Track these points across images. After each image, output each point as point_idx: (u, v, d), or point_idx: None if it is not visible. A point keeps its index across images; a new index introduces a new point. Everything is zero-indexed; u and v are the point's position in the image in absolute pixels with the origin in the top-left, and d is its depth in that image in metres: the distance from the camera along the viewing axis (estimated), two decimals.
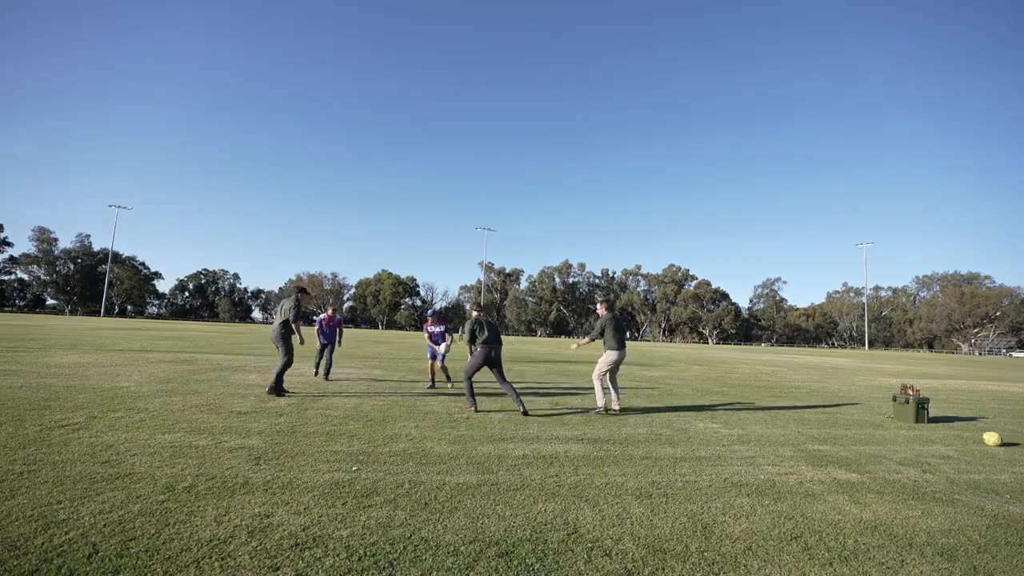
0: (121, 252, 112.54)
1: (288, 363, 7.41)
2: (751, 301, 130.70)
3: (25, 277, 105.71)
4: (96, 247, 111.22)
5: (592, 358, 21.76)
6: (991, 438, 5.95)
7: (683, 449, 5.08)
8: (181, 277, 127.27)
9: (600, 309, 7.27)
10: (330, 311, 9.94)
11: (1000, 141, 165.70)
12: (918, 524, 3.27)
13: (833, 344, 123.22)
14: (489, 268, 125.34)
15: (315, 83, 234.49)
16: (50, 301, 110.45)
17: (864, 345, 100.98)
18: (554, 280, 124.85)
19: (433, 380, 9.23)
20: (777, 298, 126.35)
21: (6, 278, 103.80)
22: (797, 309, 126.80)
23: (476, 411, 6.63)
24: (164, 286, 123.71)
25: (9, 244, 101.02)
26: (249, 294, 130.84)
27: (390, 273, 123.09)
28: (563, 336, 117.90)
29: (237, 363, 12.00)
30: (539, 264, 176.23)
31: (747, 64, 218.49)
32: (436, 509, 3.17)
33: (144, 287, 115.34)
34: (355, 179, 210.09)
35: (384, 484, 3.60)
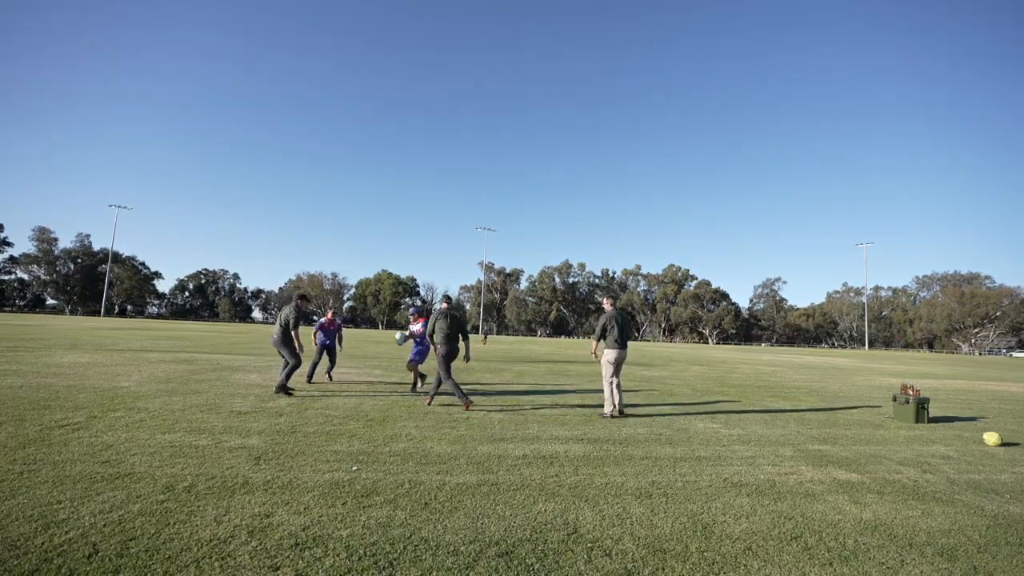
0: (121, 252, 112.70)
1: (297, 365, 7.53)
2: (751, 301, 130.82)
3: (25, 277, 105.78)
4: (96, 247, 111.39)
5: (589, 358, 21.75)
6: (991, 438, 5.95)
7: (683, 449, 5.08)
8: (181, 277, 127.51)
9: (605, 304, 7.04)
10: (330, 314, 9.66)
11: (1000, 141, 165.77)
12: (918, 524, 3.27)
13: (833, 344, 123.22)
14: (489, 268, 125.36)
15: (315, 83, 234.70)
16: (50, 301, 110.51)
17: (864, 345, 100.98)
18: (554, 280, 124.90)
19: (415, 383, 8.65)
20: (777, 298, 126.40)
21: (6, 278, 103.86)
22: (797, 309, 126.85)
23: (472, 407, 6.75)
24: (164, 286, 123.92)
25: (9, 244, 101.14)
26: (249, 294, 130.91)
27: (390, 273, 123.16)
28: (563, 336, 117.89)
29: (237, 363, 12.00)
30: (539, 264, 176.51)
31: (747, 64, 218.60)
32: (436, 509, 3.17)
33: (144, 287, 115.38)
34: (355, 179, 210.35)
35: (384, 484, 3.60)
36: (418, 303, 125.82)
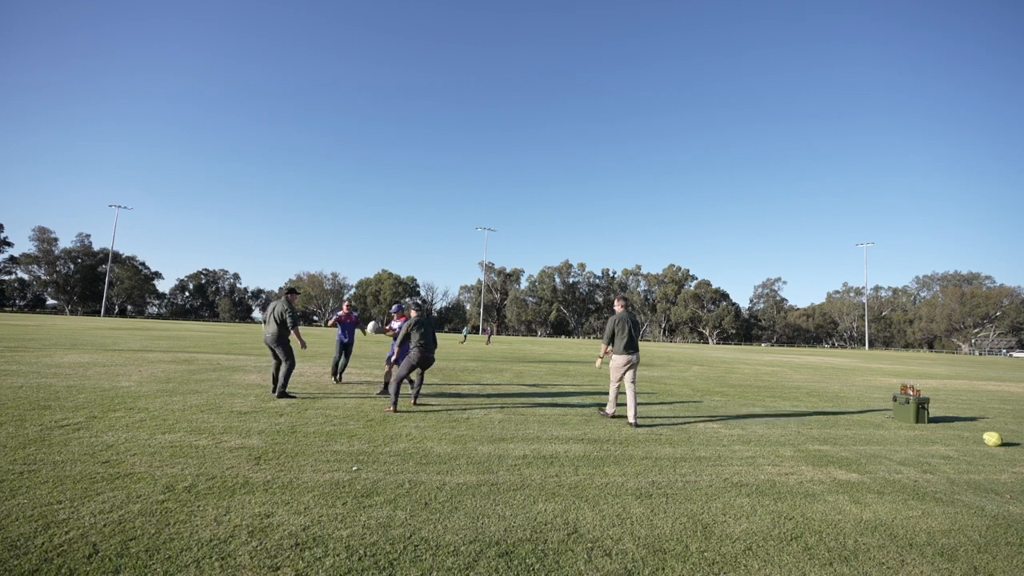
0: (121, 252, 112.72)
1: (293, 365, 7.29)
2: (751, 301, 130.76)
3: (25, 277, 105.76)
4: (96, 247, 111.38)
5: (593, 358, 21.75)
6: (991, 438, 5.95)
7: (683, 449, 5.08)
8: (181, 277, 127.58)
9: (617, 306, 6.65)
10: (345, 307, 9.28)
11: (1001, 141, 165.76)
12: (918, 524, 3.27)
13: (833, 344, 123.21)
14: (489, 268, 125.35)
15: (315, 82, 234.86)
16: (50, 301, 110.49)
17: (864, 345, 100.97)
18: (554, 280, 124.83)
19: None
20: (777, 298, 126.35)
21: (6, 278, 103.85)
22: (797, 309, 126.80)
23: (395, 411, 6.35)
24: (164, 286, 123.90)
25: (9, 244, 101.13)
26: (249, 294, 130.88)
27: (390, 273, 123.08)
28: (563, 336, 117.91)
29: (237, 363, 12.00)
30: (539, 264, 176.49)
31: (747, 64, 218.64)
32: (436, 509, 3.17)
33: (144, 287, 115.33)
34: (355, 179, 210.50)
35: (384, 484, 3.60)
36: (418, 302, 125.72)
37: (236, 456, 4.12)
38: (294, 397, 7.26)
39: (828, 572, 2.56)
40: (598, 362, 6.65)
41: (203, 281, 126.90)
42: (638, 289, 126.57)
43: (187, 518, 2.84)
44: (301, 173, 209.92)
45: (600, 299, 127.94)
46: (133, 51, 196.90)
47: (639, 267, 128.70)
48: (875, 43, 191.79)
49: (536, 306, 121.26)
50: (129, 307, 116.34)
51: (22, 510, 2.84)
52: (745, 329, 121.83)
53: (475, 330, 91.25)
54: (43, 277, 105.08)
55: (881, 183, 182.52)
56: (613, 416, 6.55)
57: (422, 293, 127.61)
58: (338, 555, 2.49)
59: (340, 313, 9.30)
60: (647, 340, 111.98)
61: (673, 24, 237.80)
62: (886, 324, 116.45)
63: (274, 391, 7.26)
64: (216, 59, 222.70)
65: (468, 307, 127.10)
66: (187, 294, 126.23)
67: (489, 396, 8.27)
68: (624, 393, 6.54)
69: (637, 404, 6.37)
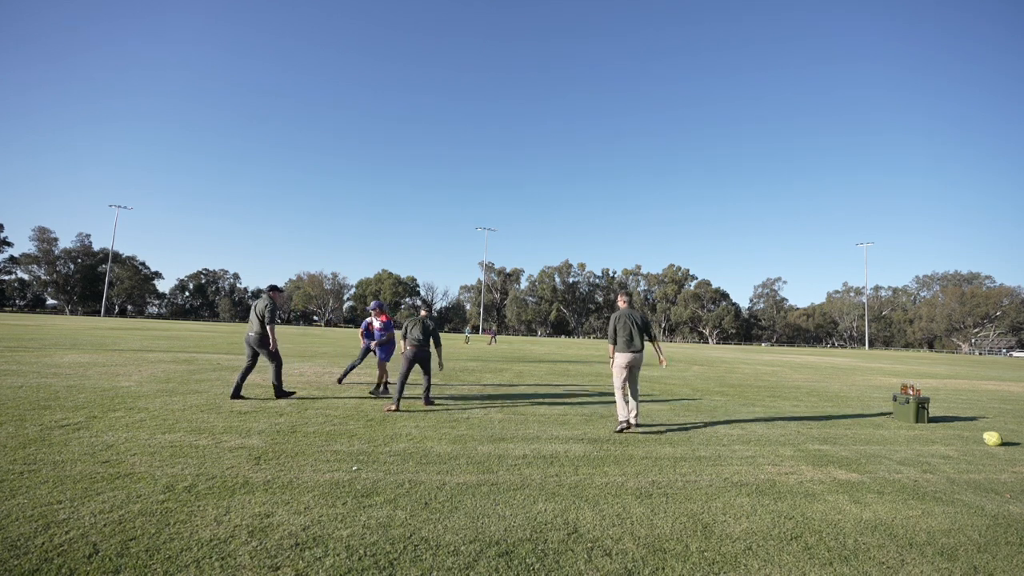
0: (121, 252, 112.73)
1: (280, 362, 7.15)
2: (751, 301, 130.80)
3: (25, 277, 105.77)
4: (96, 247, 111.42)
5: (593, 358, 21.75)
6: (991, 438, 5.95)
7: (683, 449, 5.08)
8: (181, 277, 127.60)
9: (620, 302, 6.33)
10: (423, 311, 8.62)
11: (1001, 140, 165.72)
12: (918, 524, 3.27)
13: (833, 344, 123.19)
14: (489, 268, 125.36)
15: (315, 82, 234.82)
16: (50, 301, 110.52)
17: (864, 345, 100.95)
18: (554, 280, 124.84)
19: (384, 384, 8.17)
20: (777, 298, 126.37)
21: (6, 278, 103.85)
22: (797, 309, 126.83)
23: (397, 410, 6.46)
24: (164, 286, 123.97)
25: (9, 244, 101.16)
26: (249, 294, 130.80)
27: (390, 273, 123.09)
28: (563, 336, 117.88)
29: (237, 363, 11.99)
30: (539, 264, 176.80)
31: (746, 63, 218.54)
32: (436, 509, 3.16)
33: (144, 287, 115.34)
34: (355, 178, 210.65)
35: (384, 484, 3.60)
36: (417, 303, 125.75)
37: (236, 456, 4.12)
38: (294, 394, 7.23)
39: (828, 572, 2.56)
40: (611, 363, 6.09)
41: (203, 281, 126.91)
42: (638, 289, 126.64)
43: (187, 518, 2.84)
44: (301, 172, 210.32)
45: (600, 299, 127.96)
46: (133, 50, 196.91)
47: (639, 267, 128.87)
48: (875, 42, 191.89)
49: (536, 306, 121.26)
50: (129, 307, 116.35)
51: (22, 510, 2.84)
52: (745, 329, 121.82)
53: (475, 330, 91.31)
54: (43, 277, 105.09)
55: (881, 183, 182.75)
56: (628, 424, 5.81)
57: (422, 293, 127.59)
58: (338, 555, 2.49)
59: (369, 320, 8.87)
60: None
61: (673, 21, 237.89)
62: (886, 324, 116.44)
63: (235, 395, 6.87)
64: (215, 56, 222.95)
65: (468, 307, 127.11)
66: (187, 294, 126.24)
67: (489, 396, 8.27)
68: (627, 397, 6.04)
69: (639, 403, 6.08)
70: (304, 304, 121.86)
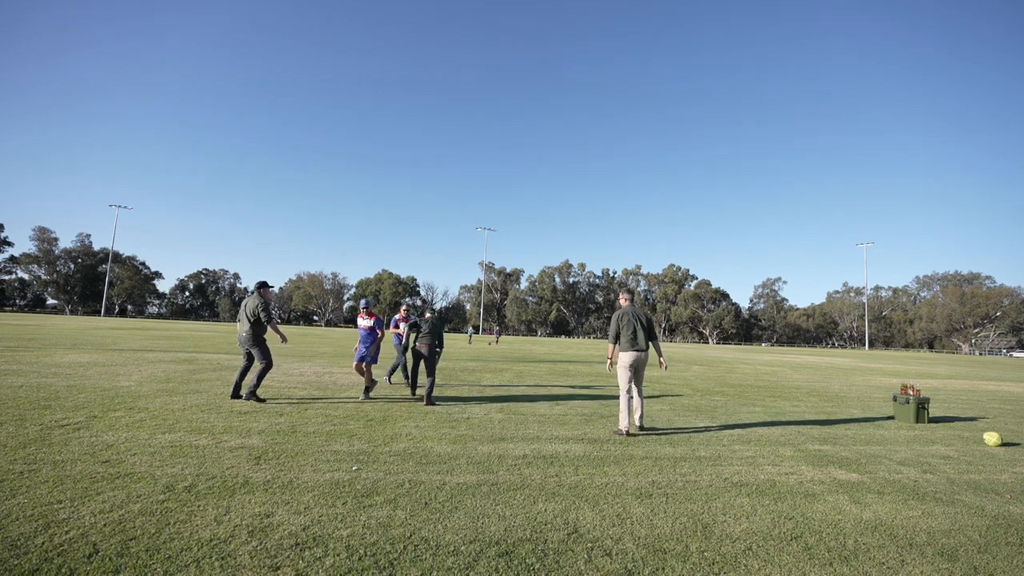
0: (121, 252, 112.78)
1: (268, 366, 6.81)
2: (751, 301, 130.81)
3: (26, 277, 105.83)
4: (96, 247, 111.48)
5: (593, 358, 21.75)
6: (991, 438, 5.95)
7: (683, 449, 5.08)
8: (181, 277, 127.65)
9: (621, 299, 6.13)
10: (404, 311, 8.94)
11: (1001, 140, 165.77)
12: (918, 524, 3.27)
13: (833, 344, 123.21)
14: (489, 268, 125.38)
15: (316, 82, 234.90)
16: (50, 301, 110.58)
17: (864, 345, 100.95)
18: (554, 280, 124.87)
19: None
20: (777, 298, 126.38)
21: (7, 278, 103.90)
22: (797, 309, 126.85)
23: (414, 395, 7.66)
24: (164, 286, 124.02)
25: (9, 244, 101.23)
26: (249, 294, 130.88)
27: (390, 273, 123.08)
28: (563, 336, 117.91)
29: (237, 363, 11.99)
30: (539, 264, 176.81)
31: (746, 63, 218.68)
32: (436, 509, 3.16)
33: (144, 287, 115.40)
34: (355, 178, 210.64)
35: (384, 484, 3.60)
36: (418, 303, 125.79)
37: (236, 456, 4.12)
38: (264, 401, 6.69)
39: (828, 572, 2.56)
40: (608, 364, 5.90)
41: (203, 281, 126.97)
42: (638, 289, 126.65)
43: (187, 518, 2.84)
44: (301, 172, 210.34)
45: (600, 299, 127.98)
46: (132, 49, 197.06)
47: (639, 267, 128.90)
48: (876, 41, 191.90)
49: (536, 306, 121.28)
50: (129, 307, 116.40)
51: (22, 509, 2.84)
52: (745, 329, 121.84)
53: (475, 330, 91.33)
54: (43, 277, 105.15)
55: (881, 183, 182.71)
56: (628, 433, 5.58)
57: (422, 293, 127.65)
58: (338, 555, 2.49)
59: (398, 316, 9.21)
60: None
61: (672, 20, 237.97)
62: (886, 324, 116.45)
63: (235, 394, 6.72)
64: (214, 55, 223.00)
65: (468, 307, 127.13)
66: (187, 294, 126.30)
67: (489, 396, 8.27)
68: (632, 398, 5.81)
69: (644, 404, 5.82)
70: (304, 304, 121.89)
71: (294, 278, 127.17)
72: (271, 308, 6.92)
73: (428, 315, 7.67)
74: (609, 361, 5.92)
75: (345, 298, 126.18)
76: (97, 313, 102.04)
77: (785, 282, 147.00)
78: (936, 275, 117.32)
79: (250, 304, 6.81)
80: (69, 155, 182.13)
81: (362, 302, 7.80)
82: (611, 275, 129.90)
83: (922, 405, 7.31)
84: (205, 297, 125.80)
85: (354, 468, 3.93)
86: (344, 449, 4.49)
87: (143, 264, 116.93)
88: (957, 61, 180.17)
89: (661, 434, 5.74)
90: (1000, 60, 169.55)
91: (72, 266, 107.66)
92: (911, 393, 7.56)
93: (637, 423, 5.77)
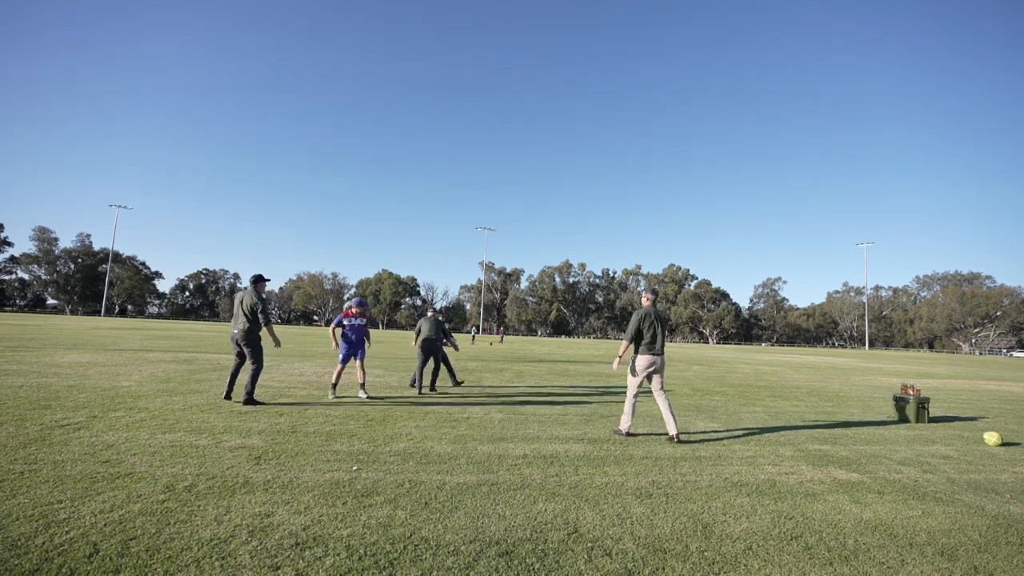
0: (121, 252, 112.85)
1: (260, 367, 6.50)
2: (751, 301, 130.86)
3: (26, 277, 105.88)
4: (96, 247, 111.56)
5: (593, 358, 21.74)
6: (992, 438, 5.95)
7: (683, 449, 5.08)
8: (181, 277, 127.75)
9: (644, 300, 5.79)
10: (431, 312, 8.92)
11: (1002, 139, 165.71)
12: (918, 524, 3.27)
13: (833, 344, 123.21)
14: (489, 268, 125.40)
15: (317, 82, 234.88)
16: (51, 301, 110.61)
17: (865, 345, 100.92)
18: (554, 280, 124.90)
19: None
20: (777, 298, 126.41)
21: (7, 278, 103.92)
22: (797, 309, 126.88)
23: (420, 392, 8.11)
24: (164, 286, 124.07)
25: (9, 244, 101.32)
26: (244, 288, 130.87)
27: (390, 273, 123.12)
28: (563, 336, 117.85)
29: None
30: (539, 264, 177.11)
31: (746, 61, 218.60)
32: (436, 509, 3.16)
33: (144, 287, 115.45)
34: (356, 178, 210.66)
35: (384, 484, 3.60)
36: (419, 303, 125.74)
37: (236, 456, 4.12)
38: (262, 403, 6.51)
39: (828, 572, 2.56)
40: (615, 363, 5.60)
41: (203, 281, 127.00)
42: (638, 289, 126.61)
43: (187, 518, 2.84)
44: (301, 172, 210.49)
45: (600, 299, 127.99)
46: (132, 48, 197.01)
47: (639, 267, 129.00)
48: (876, 40, 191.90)
49: (536, 306, 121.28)
50: (129, 307, 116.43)
51: (23, 509, 2.84)
52: (745, 329, 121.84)
53: (477, 329, 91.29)
54: (43, 277, 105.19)
55: (881, 182, 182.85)
56: (628, 434, 5.57)
57: (422, 293, 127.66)
58: (338, 555, 2.49)
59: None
60: None
61: (673, 18, 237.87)
62: (886, 324, 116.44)
63: (228, 395, 6.43)
64: (214, 54, 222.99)
65: (468, 307, 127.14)
66: (187, 294, 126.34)
67: (489, 396, 8.28)
68: (656, 406, 5.67)
69: (674, 414, 5.56)
70: (304, 304, 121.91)
71: (294, 278, 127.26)
72: (269, 306, 6.61)
73: (430, 314, 8.69)
74: (617, 359, 5.62)
75: (345, 298, 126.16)
76: (97, 313, 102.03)
77: (785, 282, 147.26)
78: (936, 275, 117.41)
79: (247, 300, 6.40)
80: (69, 155, 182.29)
81: (355, 301, 7.57)
82: (611, 275, 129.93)
83: (922, 405, 7.31)
84: (205, 297, 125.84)
85: (354, 468, 3.93)
86: (344, 449, 4.50)
87: (143, 264, 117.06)
88: (958, 59, 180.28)
89: (661, 434, 5.74)
90: (1001, 58, 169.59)
91: (72, 266, 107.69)
92: (911, 393, 7.56)
93: (673, 434, 5.37)
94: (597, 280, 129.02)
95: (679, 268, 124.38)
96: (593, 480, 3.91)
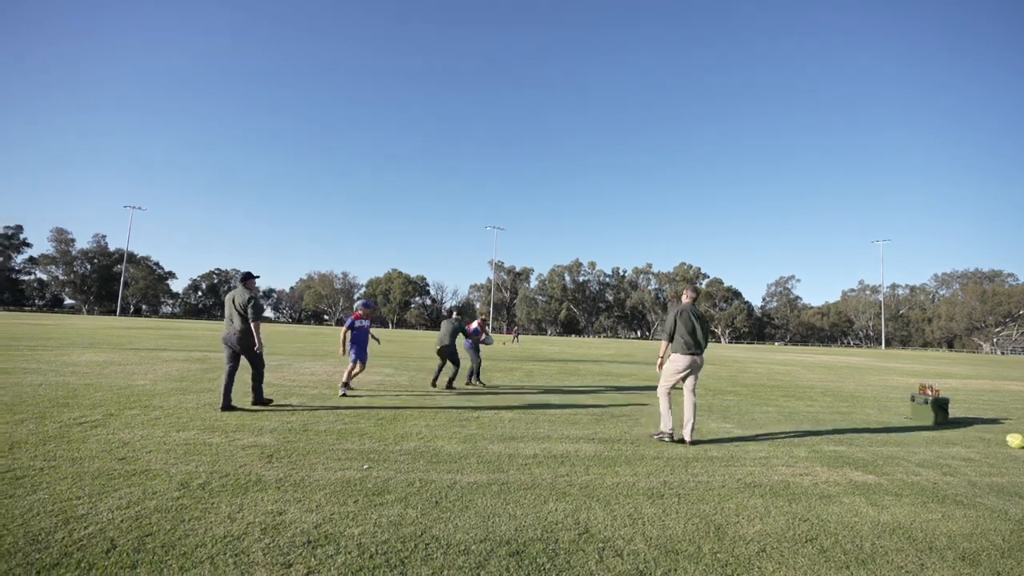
0: (136, 252, 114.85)
1: (262, 366, 6.39)
2: (764, 299, 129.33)
3: (44, 277, 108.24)
4: (112, 247, 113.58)
5: (604, 358, 21.65)
6: (1015, 440, 5.80)
7: (695, 449, 5.02)
8: (194, 277, 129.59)
9: (684, 296, 5.59)
10: (479, 321, 10.31)
11: (1002, 140, 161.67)
12: (938, 527, 3.20)
13: (848, 343, 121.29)
14: (499, 267, 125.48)
15: (325, 82, 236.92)
16: (68, 300, 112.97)
17: (881, 344, 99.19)
18: (564, 279, 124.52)
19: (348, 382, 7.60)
20: (791, 296, 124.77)
21: (26, 278, 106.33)
22: (811, 308, 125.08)
23: (434, 387, 8.80)
24: (178, 286, 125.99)
25: (28, 245, 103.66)
26: (261, 293, 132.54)
27: (400, 272, 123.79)
28: (573, 335, 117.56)
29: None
30: (549, 263, 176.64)
31: (759, 60, 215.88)
32: (447, 508, 3.17)
33: (158, 287, 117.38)
34: (366, 178, 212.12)
35: (395, 482, 3.61)
36: (427, 303, 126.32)
37: (249, 454, 4.17)
38: (271, 401, 6.54)
39: (845, 575, 2.51)
40: (659, 364, 5.39)
41: (215, 281, 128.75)
42: (649, 288, 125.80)
43: (201, 515, 2.87)
44: (313, 173, 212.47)
45: (610, 297, 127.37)
46: (145, 51, 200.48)
47: (650, 265, 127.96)
48: (892, 36, 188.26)
49: (546, 305, 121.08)
50: (144, 306, 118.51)
51: (43, 505, 2.90)
52: (758, 328, 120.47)
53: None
54: (61, 277, 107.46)
55: (898, 179, 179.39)
56: (672, 437, 5.29)
57: (432, 292, 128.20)
58: (350, 553, 2.50)
59: (475, 323, 10.16)
60: (658, 339, 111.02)
61: (688, 16, 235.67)
62: (903, 323, 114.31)
63: (226, 406, 5.91)
64: (215, 54, 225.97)
65: (478, 306, 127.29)
66: (200, 293, 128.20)
67: (499, 395, 8.28)
68: (681, 406, 5.32)
69: (695, 418, 5.32)
70: (315, 304, 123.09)
71: (305, 278, 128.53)
72: (261, 305, 6.28)
73: (454, 316, 9.18)
74: (660, 360, 5.43)
75: (355, 297, 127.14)
76: (112, 313, 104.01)
77: (799, 280, 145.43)
78: (955, 272, 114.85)
79: (238, 298, 6.02)
80: (86, 158, 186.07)
81: (360, 303, 7.79)
82: (621, 274, 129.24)
83: (941, 405, 7.15)
84: (217, 297, 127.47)
85: (365, 466, 3.95)
86: (355, 448, 4.52)
87: (157, 264, 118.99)
88: (976, 53, 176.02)
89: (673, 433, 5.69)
90: (1001, 58, 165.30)
91: (88, 266, 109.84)
92: (930, 393, 7.40)
93: (686, 437, 5.21)
94: (607, 279, 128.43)
95: (690, 266, 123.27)
96: (604, 480, 3.88)
